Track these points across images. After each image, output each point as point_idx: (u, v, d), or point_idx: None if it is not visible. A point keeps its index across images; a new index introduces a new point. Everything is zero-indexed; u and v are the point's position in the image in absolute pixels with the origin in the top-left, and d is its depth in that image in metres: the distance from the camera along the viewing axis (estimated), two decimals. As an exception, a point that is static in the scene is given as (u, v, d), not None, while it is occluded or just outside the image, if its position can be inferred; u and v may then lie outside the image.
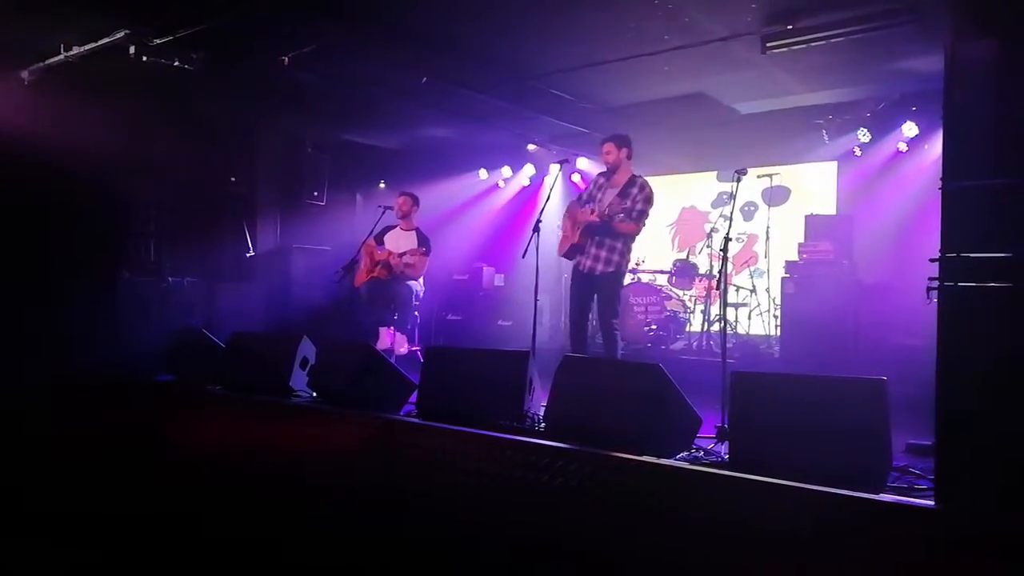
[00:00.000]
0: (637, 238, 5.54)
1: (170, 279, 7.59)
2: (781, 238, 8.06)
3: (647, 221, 5.47)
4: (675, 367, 3.36)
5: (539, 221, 5.60)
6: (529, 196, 10.41)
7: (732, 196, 4.88)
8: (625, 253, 5.47)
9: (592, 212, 5.42)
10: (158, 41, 5.92)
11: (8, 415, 4.84)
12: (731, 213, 5.03)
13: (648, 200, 5.35)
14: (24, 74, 6.52)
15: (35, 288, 6.41)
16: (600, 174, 5.71)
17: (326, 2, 5.62)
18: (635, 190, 5.37)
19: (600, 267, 5.40)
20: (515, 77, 7.27)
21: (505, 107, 7.78)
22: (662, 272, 8.35)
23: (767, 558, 2.33)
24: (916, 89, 7.16)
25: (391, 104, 7.97)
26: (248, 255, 8.66)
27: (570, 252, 5.57)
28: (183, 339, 5.28)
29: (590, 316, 5.63)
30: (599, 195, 5.55)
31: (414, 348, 7.03)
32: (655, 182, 5.65)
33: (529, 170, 10.29)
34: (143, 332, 6.91)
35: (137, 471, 4.34)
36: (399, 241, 6.92)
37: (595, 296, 5.50)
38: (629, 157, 5.55)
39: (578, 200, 5.70)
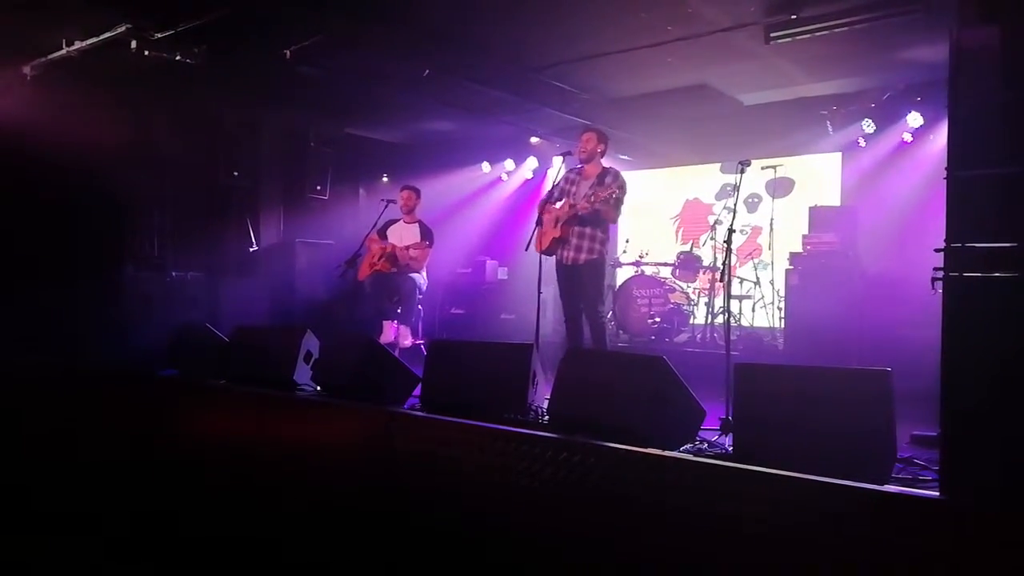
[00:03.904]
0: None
1: (173, 273, 7.60)
2: (785, 230, 8.04)
3: (623, 209, 5.59)
4: (679, 359, 3.35)
5: (542, 214, 5.60)
6: (532, 189, 10.40)
7: (736, 188, 4.87)
8: (605, 242, 5.57)
9: (571, 204, 5.47)
10: (160, 35, 5.93)
11: (11, 410, 4.86)
12: (735, 205, 5.03)
13: (623, 188, 5.45)
14: (26, 69, 6.52)
15: (38, 283, 6.41)
16: (570, 171, 5.77)
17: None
18: (610, 179, 5.47)
19: (583, 256, 5.46)
20: (517, 69, 7.25)
21: (508, 99, 7.77)
22: (666, 264, 8.33)
23: (771, 549, 2.32)
24: (921, 79, 7.13)
25: (394, 97, 7.96)
26: (251, 249, 8.68)
27: (552, 246, 5.57)
28: (186, 333, 5.27)
29: (583, 308, 5.64)
30: (572, 188, 5.62)
31: (418, 341, 7.03)
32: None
33: (532, 163, 10.27)
34: (146, 326, 6.93)
35: (140, 465, 4.35)
36: (402, 235, 6.93)
37: (581, 286, 5.52)
38: (603, 154, 5.64)
39: (548, 198, 5.72)
